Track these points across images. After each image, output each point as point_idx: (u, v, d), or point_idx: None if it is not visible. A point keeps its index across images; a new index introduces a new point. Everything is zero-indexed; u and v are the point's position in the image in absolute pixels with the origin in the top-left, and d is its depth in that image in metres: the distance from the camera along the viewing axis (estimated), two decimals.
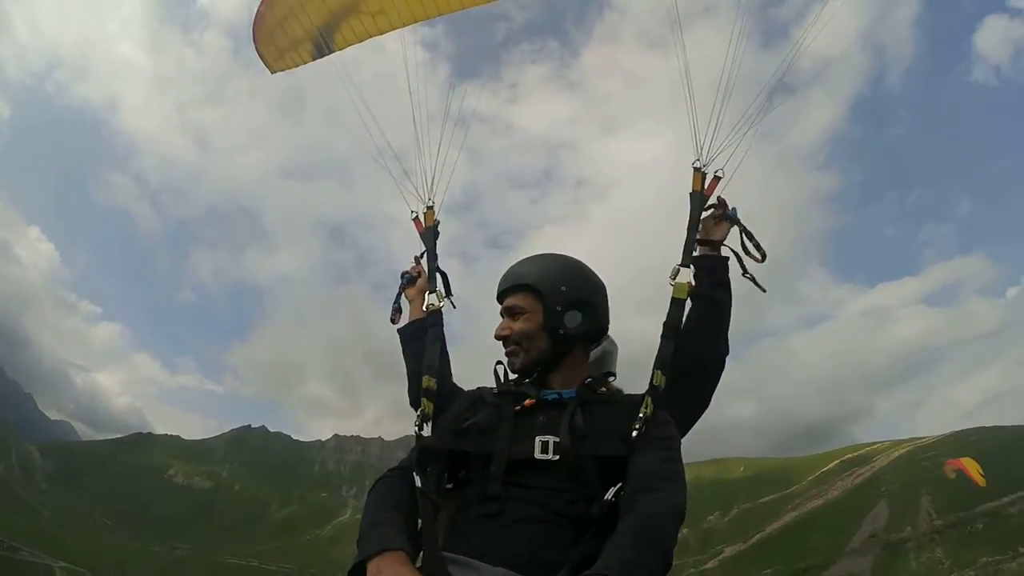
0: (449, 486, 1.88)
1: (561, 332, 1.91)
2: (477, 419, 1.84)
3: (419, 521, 1.69)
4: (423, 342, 2.31)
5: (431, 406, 2.02)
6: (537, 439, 1.73)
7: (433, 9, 2.84)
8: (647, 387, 1.86)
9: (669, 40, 2.29)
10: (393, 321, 2.61)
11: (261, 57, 3.10)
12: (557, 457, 1.70)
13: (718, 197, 2.19)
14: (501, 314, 2.00)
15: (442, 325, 2.38)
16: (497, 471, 1.72)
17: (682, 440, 1.84)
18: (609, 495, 1.62)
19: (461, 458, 1.83)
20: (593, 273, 2.04)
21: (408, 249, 2.66)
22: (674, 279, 2.03)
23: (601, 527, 1.56)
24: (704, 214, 2.19)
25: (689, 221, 2.14)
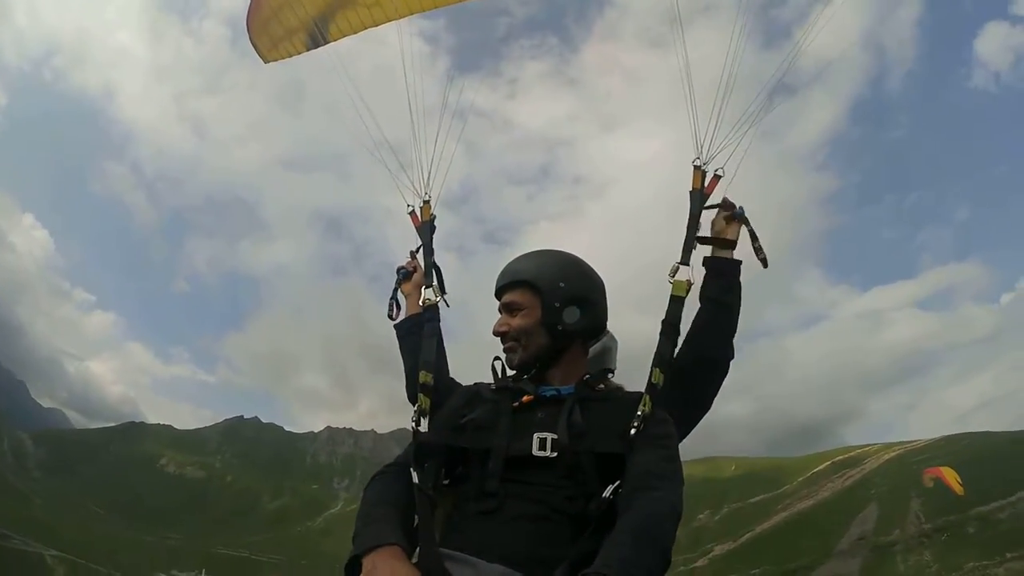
0: (446, 482, 1.87)
1: (560, 328, 1.90)
2: (475, 415, 1.83)
3: (415, 517, 1.68)
4: (420, 337, 2.30)
5: (428, 401, 2.01)
6: (535, 436, 1.73)
7: (429, 1, 2.82)
8: (646, 385, 1.85)
9: (669, 39, 2.27)
10: (390, 316, 2.59)
11: (255, 47, 3.07)
12: (555, 454, 1.70)
13: (724, 198, 2.19)
14: (499, 310, 1.99)
15: (439, 320, 2.37)
16: (495, 468, 1.71)
17: (680, 442, 1.84)
18: (607, 493, 1.62)
19: (459, 454, 1.83)
20: (592, 269, 2.04)
21: (404, 243, 2.66)
22: (673, 277, 2.02)
23: (599, 525, 1.56)
24: (709, 213, 2.19)
25: (689, 219, 2.13)
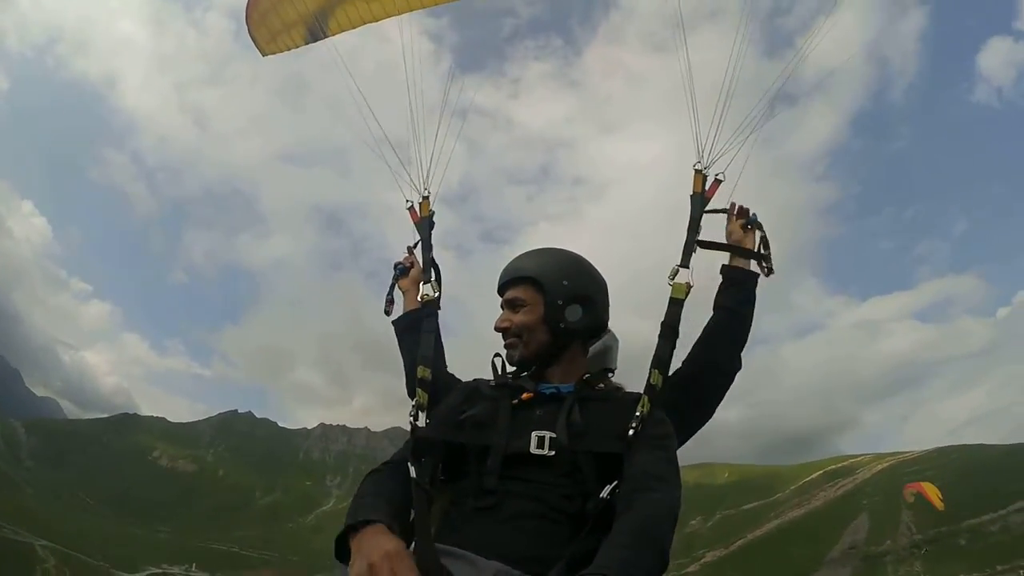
0: (443, 478, 1.87)
1: (562, 326, 1.91)
2: (474, 412, 1.83)
3: (411, 512, 1.68)
4: (418, 333, 2.29)
5: (426, 396, 2.01)
6: (533, 434, 1.73)
7: None
8: (644, 386, 1.85)
9: (672, 43, 2.28)
10: (387, 312, 2.59)
11: (253, 39, 3.07)
12: (552, 453, 1.70)
13: (739, 205, 2.23)
14: (502, 306, 1.99)
15: (437, 315, 2.37)
16: (494, 465, 1.71)
17: (680, 447, 1.85)
18: (605, 493, 1.62)
19: (457, 450, 1.82)
20: (594, 269, 2.04)
21: (402, 239, 2.66)
22: (673, 279, 2.03)
23: (597, 524, 1.56)
24: (713, 218, 2.21)
25: (689, 222, 2.14)
